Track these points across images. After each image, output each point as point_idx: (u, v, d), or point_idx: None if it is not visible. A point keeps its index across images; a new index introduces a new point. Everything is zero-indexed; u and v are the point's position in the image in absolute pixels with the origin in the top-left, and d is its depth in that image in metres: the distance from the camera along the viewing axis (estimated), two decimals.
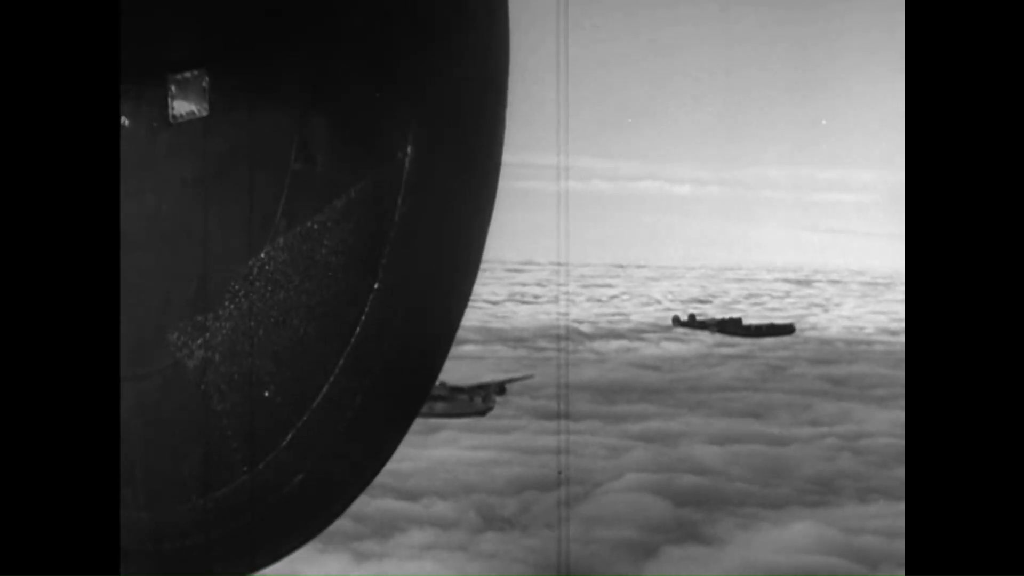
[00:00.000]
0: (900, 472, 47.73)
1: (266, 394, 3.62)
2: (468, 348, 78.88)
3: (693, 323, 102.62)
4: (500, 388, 51.82)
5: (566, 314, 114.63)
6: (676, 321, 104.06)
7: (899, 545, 32.02)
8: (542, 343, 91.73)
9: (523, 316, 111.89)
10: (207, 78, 3.69)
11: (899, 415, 60.13)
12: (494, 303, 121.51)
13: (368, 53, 3.52)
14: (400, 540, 36.25)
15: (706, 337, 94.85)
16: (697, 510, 41.13)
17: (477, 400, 49.66)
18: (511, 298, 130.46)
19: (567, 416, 49.71)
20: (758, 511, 41.51)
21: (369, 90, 3.53)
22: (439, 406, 48.13)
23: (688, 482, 44.51)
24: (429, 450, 45.62)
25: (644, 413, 57.88)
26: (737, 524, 39.82)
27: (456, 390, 49.93)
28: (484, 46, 3.56)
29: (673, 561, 35.43)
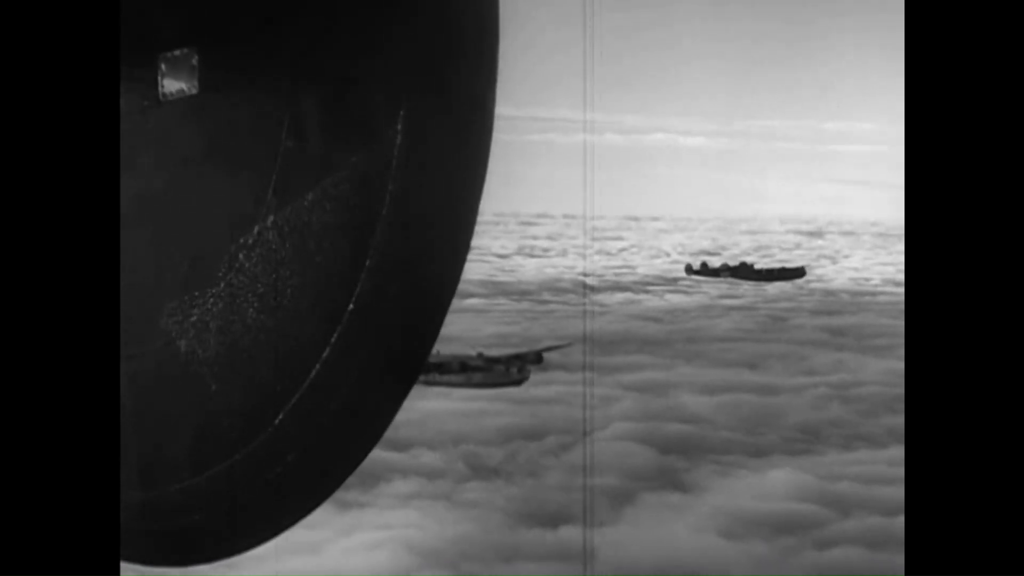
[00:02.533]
0: (886, 420, 48.11)
1: (258, 372, 3.66)
2: (472, 302, 79.25)
3: (706, 270, 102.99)
4: (537, 357, 52.09)
5: (574, 268, 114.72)
6: (689, 269, 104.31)
7: (875, 491, 32.41)
8: (546, 296, 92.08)
9: (530, 270, 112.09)
10: (196, 56, 3.71)
11: (894, 364, 60.46)
12: (502, 256, 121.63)
13: (358, 28, 3.56)
14: (384, 489, 36.74)
15: (710, 289, 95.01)
16: (680, 458, 41.57)
17: (513, 370, 49.96)
18: (520, 251, 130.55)
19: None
20: (740, 459, 41.94)
21: (359, 66, 3.56)
22: (476, 376, 48.50)
23: (674, 431, 44.93)
24: (421, 401, 46.05)
25: (639, 364, 58.23)
26: (717, 472, 40.25)
27: (493, 361, 50.25)
28: (475, 14, 3.60)
29: (648, 507, 35.89)
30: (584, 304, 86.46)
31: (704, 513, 35.32)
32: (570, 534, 33.77)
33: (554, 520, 35.03)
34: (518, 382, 49.43)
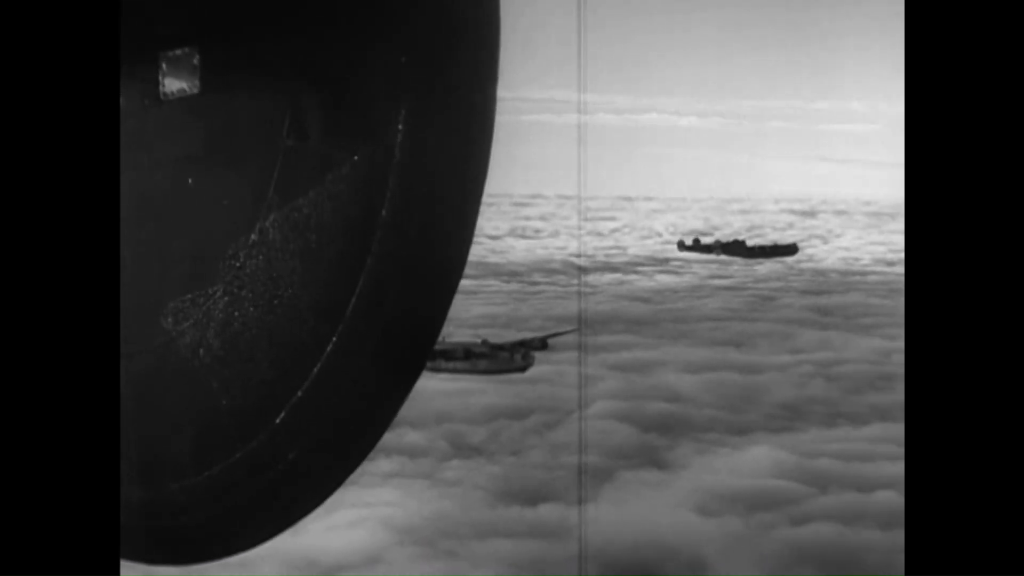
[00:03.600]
0: (868, 397, 48.14)
1: (260, 370, 3.68)
2: (461, 283, 79.20)
3: (698, 246, 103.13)
4: (542, 343, 52.26)
5: (565, 249, 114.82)
6: (681, 245, 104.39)
7: (853, 467, 32.42)
8: (537, 277, 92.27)
9: (521, 251, 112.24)
10: (197, 55, 3.74)
11: (879, 343, 60.25)
12: (494, 238, 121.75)
13: (358, 26, 3.59)
14: (365, 468, 36.62)
15: (700, 269, 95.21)
16: (661, 436, 41.75)
17: (517, 357, 50.13)
18: (512, 233, 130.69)
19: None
20: (721, 437, 42.12)
21: (360, 64, 3.59)
22: (481, 363, 48.63)
23: (657, 409, 45.09)
24: None
25: (625, 344, 58.36)
26: (697, 449, 40.43)
27: (497, 348, 50.39)
28: (475, 11, 3.63)
29: (627, 485, 36.07)
30: (578, 286, 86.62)
31: (682, 490, 35.49)
32: (549, 512, 33.97)
33: (533, 498, 35.24)
34: (522, 368, 49.59)
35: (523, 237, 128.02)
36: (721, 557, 30.53)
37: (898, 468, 38.33)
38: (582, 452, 32.67)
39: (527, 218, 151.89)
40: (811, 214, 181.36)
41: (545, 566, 29.66)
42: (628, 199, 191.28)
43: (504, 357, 49.79)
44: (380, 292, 3.57)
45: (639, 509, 33.35)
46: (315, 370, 3.60)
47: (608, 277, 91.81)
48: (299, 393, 3.63)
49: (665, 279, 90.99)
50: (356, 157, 3.55)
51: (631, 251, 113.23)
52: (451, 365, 47.49)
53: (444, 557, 30.76)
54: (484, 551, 31.06)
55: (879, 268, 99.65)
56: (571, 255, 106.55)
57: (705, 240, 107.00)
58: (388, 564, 30.39)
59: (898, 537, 32.65)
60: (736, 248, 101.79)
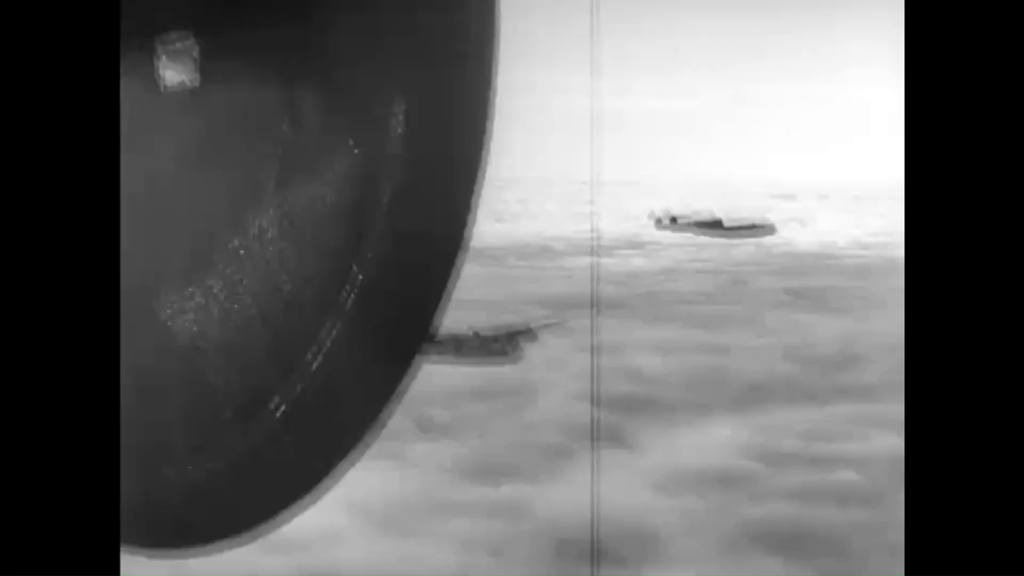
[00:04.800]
0: (835, 379, 48.17)
1: (259, 365, 3.67)
2: None
3: (674, 224, 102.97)
4: (532, 334, 52.57)
5: (542, 233, 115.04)
6: (658, 223, 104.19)
7: (815, 447, 32.64)
8: (512, 260, 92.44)
9: (496, 235, 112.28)
10: (197, 47, 3.68)
11: (849, 325, 60.29)
12: None
13: (359, 18, 3.57)
14: None
15: (677, 252, 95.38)
16: (626, 417, 41.92)
17: (508, 348, 50.44)
18: (489, 216, 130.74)
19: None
20: (687, 417, 42.33)
21: (361, 54, 3.56)
22: (471, 353, 49.00)
23: (623, 390, 45.24)
24: None
25: (595, 326, 58.48)
26: (661, 430, 40.65)
27: (488, 339, 50.69)
28: (476, 5, 3.60)
29: (587, 465, 36.17)
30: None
31: (641, 469, 35.69)
32: (510, 492, 34.17)
33: (496, 479, 35.40)
34: (512, 360, 49.94)
35: (500, 221, 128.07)
36: (675, 535, 30.69)
37: (859, 448, 38.58)
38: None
39: (505, 201, 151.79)
40: (791, 197, 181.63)
41: (501, 545, 29.81)
42: (607, 183, 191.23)
43: (494, 348, 50.09)
44: (378, 285, 3.55)
45: (596, 488, 33.43)
46: (314, 364, 3.59)
47: (583, 260, 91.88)
48: (298, 386, 3.60)
49: (640, 262, 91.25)
50: (355, 151, 3.54)
51: (608, 235, 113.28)
52: (441, 356, 47.69)
53: (401, 536, 30.87)
54: (442, 530, 31.18)
55: (855, 251, 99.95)
56: (548, 239, 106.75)
57: (682, 219, 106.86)
58: (346, 543, 30.49)
59: (855, 515, 32.85)
60: (713, 227, 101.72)
